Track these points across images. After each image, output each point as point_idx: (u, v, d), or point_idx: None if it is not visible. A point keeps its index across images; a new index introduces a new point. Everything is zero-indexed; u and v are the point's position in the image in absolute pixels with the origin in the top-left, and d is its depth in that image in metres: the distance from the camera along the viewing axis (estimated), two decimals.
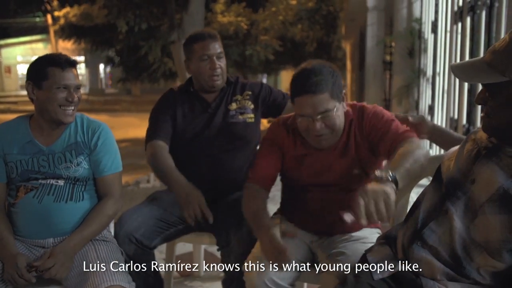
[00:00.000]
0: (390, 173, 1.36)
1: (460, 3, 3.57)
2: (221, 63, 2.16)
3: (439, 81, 4.51)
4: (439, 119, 4.47)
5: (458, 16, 3.64)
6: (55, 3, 8.27)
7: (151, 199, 2.20)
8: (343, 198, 1.69)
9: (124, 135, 9.68)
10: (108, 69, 28.32)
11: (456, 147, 1.42)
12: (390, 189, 1.29)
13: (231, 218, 1.97)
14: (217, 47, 2.14)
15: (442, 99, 4.35)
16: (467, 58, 3.45)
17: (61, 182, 1.78)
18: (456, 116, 3.68)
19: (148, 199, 2.20)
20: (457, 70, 1.26)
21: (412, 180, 1.68)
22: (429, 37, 5.01)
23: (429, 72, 4.98)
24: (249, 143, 2.21)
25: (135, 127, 11.64)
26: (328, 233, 1.83)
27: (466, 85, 3.43)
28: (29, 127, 1.82)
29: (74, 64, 1.77)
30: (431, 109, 4.85)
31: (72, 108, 1.76)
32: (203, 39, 2.14)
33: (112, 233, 1.95)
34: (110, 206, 1.82)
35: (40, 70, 1.73)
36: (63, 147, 1.81)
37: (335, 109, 1.64)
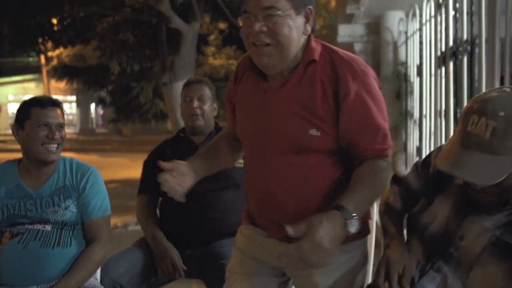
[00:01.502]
0: (352, 214, 1.20)
1: (443, 49, 3.70)
2: (203, 105, 2.25)
3: (426, 123, 4.59)
4: None
5: (441, 60, 3.77)
6: (49, 44, 8.40)
7: (138, 244, 2.18)
8: (303, 170, 1.35)
9: (113, 176, 9.60)
10: (100, 109, 28.45)
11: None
12: (342, 234, 1.18)
13: (219, 266, 1.95)
14: (200, 90, 2.23)
15: (429, 141, 4.42)
16: (452, 101, 3.55)
17: (48, 227, 1.76)
18: None
19: (135, 245, 2.19)
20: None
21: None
22: (415, 80, 5.16)
23: (416, 114, 5.08)
24: (237, 186, 2.22)
25: (125, 167, 11.56)
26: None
27: (452, 127, 3.51)
28: (18, 171, 1.81)
29: (57, 104, 1.80)
30: (419, 150, 4.92)
31: (55, 145, 1.75)
32: (190, 84, 2.29)
33: (99, 279, 1.91)
34: (97, 252, 1.79)
35: (24, 111, 1.77)
36: (51, 191, 1.79)
37: (285, 14, 1.26)
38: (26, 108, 1.77)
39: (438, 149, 1.37)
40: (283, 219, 1.35)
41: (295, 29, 1.29)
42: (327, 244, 1.14)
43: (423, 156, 4.65)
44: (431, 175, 1.35)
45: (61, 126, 1.78)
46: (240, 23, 1.33)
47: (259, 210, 1.50)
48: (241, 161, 2.23)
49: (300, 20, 1.30)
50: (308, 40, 1.36)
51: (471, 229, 1.18)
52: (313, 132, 1.30)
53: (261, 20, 1.26)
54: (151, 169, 2.22)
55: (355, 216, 1.21)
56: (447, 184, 1.29)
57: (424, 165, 1.41)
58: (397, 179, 1.52)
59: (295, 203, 1.38)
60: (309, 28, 1.34)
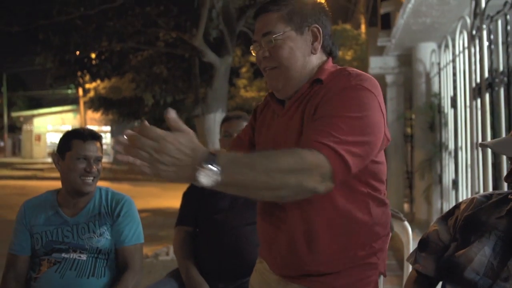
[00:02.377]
0: (215, 165, 0.92)
1: (478, 80, 3.64)
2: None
3: (461, 155, 4.47)
4: (464, 194, 4.38)
5: (476, 92, 3.70)
6: (87, 77, 8.77)
7: (172, 276, 2.17)
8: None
9: (145, 205, 9.72)
10: None
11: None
12: (185, 167, 0.91)
13: None
14: (240, 125, 2.25)
15: (466, 173, 4.29)
16: (489, 132, 3.45)
17: (83, 257, 1.79)
18: (481, 191, 3.60)
19: (169, 276, 2.18)
20: (499, 147, 1.19)
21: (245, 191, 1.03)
22: (449, 111, 5.06)
23: (451, 146, 4.96)
24: None
25: (157, 197, 11.69)
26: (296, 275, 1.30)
27: (490, 159, 3.40)
28: (56, 199, 1.88)
29: (97, 137, 1.86)
30: (455, 183, 4.78)
31: (91, 178, 1.81)
32: (229, 119, 2.33)
33: None
34: (130, 280, 1.80)
35: (66, 142, 1.84)
36: (87, 218, 1.84)
37: (284, 35, 1.24)
38: (68, 139, 1.84)
39: (470, 200, 1.33)
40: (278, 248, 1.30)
41: (298, 49, 1.26)
42: (166, 150, 0.90)
43: (460, 189, 4.51)
44: (463, 220, 1.29)
45: (98, 159, 1.85)
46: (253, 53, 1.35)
47: (261, 239, 1.43)
48: None
49: (303, 39, 1.27)
50: (326, 61, 1.30)
51: None
52: None
53: (264, 46, 1.27)
54: (190, 201, 2.25)
55: (216, 170, 0.92)
56: (484, 225, 1.24)
57: (450, 216, 1.36)
58: (422, 241, 1.39)
59: (291, 229, 1.26)
60: (318, 47, 1.29)
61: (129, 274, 1.81)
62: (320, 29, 1.28)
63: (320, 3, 1.34)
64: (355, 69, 1.26)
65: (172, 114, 0.95)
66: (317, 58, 1.30)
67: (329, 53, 1.34)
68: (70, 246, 1.80)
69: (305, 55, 1.27)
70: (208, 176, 0.92)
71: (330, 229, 1.24)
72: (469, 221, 1.27)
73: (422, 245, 1.37)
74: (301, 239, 1.25)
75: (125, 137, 0.92)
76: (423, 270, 1.34)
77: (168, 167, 0.91)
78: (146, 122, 0.94)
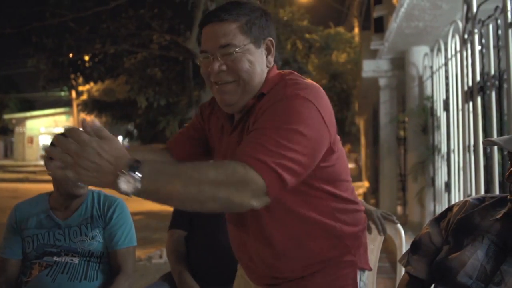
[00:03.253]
0: (137, 173, 0.89)
1: (470, 83, 3.67)
2: None
3: (454, 158, 4.50)
4: (456, 197, 4.41)
5: (468, 95, 3.73)
6: (81, 79, 8.73)
7: (165, 279, 2.17)
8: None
9: (138, 208, 9.67)
10: (126, 141, 29.04)
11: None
12: (105, 172, 0.88)
13: None
14: None
15: (458, 176, 4.32)
16: (480, 135, 3.48)
17: (75, 260, 1.78)
18: (473, 194, 3.63)
19: (161, 279, 2.18)
20: (509, 144, 1.16)
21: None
22: (442, 114, 5.10)
23: (444, 149, 5.00)
24: None
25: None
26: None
27: (482, 162, 3.43)
28: (48, 202, 1.87)
29: None
30: (447, 186, 4.81)
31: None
32: None
33: None
34: (122, 283, 1.80)
35: None
36: (79, 221, 1.83)
37: (244, 48, 1.18)
38: None
39: (463, 203, 1.33)
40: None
41: (257, 63, 1.20)
42: (86, 154, 0.87)
43: (452, 191, 4.54)
44: (455, 223, 1.29)
45: None
46: (199, 63, 1.25)
47: (241, 254, 1.38)
48: None
49: (260, 53, 1.22)
50: (269, 70, 1.26)
51: (511, 273, 1.13)
52: None
53: (220, 58, 1.18)
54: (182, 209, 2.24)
55: (137, 177, 0.89)
56: (476, 228, 1.24)
57: (443, 218, 1.35)
58: (414, 244, 1.39)
59: (269, 252, 1.25)
60: (271, 60, 1.25)
61: (122, 277, 1.81)
62: (273, 42, 1.25)
63: (265, 10, 1.27)
64: (294, 77, 1.20)
65: (94, 122, 0.92)
66: (266, 71, 1.25)
67: (274, 61, 1.28)
68: (62, 249, 1.79)
69: (261, 68, 1.22)
70: (128, 182, 0.89)
71: (292, 237, 1.23)
72: (462, 224, 1.27)
73: (414, 247, 1.37)
74: (265, 248, 1.24)
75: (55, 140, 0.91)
76: (414, 273, 1.34)
77: (88, 172, 0.88)
78: (83, 124, 0.91)
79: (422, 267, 1.33)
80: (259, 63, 1.21)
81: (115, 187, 0.89)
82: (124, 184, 0.89)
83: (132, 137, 13.18)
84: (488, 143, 1.24)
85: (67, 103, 28.19)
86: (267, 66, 1.24)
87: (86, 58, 8.30)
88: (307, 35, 11.94)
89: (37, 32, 7.09)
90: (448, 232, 1.29)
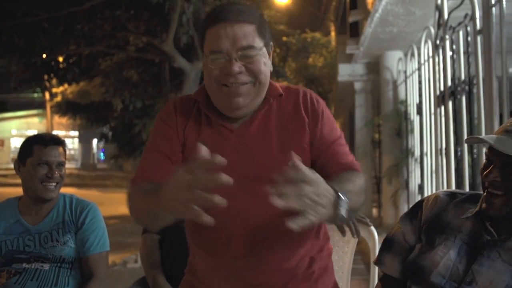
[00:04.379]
0: (344, 198, 1.02)
1: (442, 88, 3.76)
2: None
3: (427, 161, 4.60)
4: None
5: (440, 99, 3.82)
6: (54, 81, 8.54)
7: (138, 284, 2.14)
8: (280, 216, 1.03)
9: (113, 212, 9.52)
10: (101, 144, 28.57)
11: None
12: (329, 208, 0.97)
13: None
14: None
15: (431, 178, 4.41)
16: (452, 138, 3.57)
17: (46, 266, 1.73)
18: None
19: (135, 284, 2.15)
20: (499, 143, 1.14)
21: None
22: (415, 118, 5.21)
23: (417, 152, 5.10)
24: None
25: (125, 203, 11.48)
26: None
27: (453, 165, 3.51)
28: (18, 207, 1.81)
29: (59, 142, 1.80)
30: (420, 188, 4.91)
31: (53, 184, 1.75)
32: None
33: None
34: None
35: (27, 148, 1.78)
36: (50, 226, 1.78)
37: (261, 51, 1.19)
38: (29, 145, 1.79)
39: (433, 199, 1.33)
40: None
41: (268, 65, 1.23)
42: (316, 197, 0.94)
43: (425, 194, 4.64)
44: (427, 221, 1.30)
45: (61, 164, 1.79)
46: (209, 65, 1.20)
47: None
48: None
49: (267, 56, 1.24)
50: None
51: (484, 275, 1.14)
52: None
53: (238, 60, 1.16)
54: None
55: (346, 200, 1.02)
56: (448, 227, 1.25)
57: (414, 216, 1.35)
58: (386, 242, 1.37)
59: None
60: (270, 64, 1.26)
61: (94, 282, 1.77)
62: (272, 47, 1.27)
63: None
64: (291, 85, 1.38)
65: (296, 161, 0.92)
66: None
67: None
68: (32, 255, 1.74)
69: (269, 71, 1.24)
70: (344, 208, 1.02)
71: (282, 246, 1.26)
72: (434, 223, 1.28)
73: (387, 245, 1.37)
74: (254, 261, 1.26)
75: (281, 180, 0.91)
76: (388, 271, 1.34)
77: (325, 208, 0.95)
78: (297, 163, 0.91)
79: (395, 265, 1.32)
80: (269, 66, 1.24)
81: (336, 215, 1.01)
82: (343, 210, 1.02)
83: (107, 140, 12.97)
84: (474, 141, 1.23)
85: (40, 105, 27.52)
86: (270, 70, 1.26)
87: (60, 59, 8.13)
88: (284, 38, 12.00)
89: (8, 31, 6.90)
90: (420, 230, 1.30)
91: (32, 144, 1.78)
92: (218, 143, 1.25)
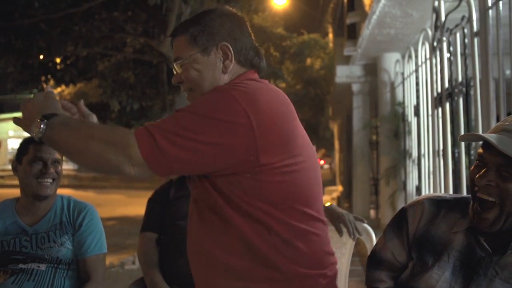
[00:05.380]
0: (45, 121, 1.10)
1: (439, 89, 3.77)
2: None
3: (424, 162, 4.61)
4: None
5: (438, 101, 3.83)
6: (52, 82, 8.53)
7: (136, 285, 2.14)
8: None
9: (111, 213, 9.50)
10: None
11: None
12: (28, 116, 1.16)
13: None
14: None
15: (429, 180, 4.42)
16: (449, 140, 3.58)
17: (42, 267, 1.73)
18: None
19: (133, 285, 2.15)
20: (502, 144, 1.04)
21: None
22: (412, 120, 5.21)
23: (415, 154, 5.11)
24: None
25: (123, 205, 11.47)
26: None
27: (450, 166, 3.52)
28: (15, 208, 1.81)
29: None
30: (418, 189, 4.91)
31: (49, 180, 1.75)
32: None
33: None
34: None
35: (23, 148, 1.80)
36: (47, 227, 1.78)
37: (190, 59, 1.22)
38: (26, 145, 1.81)
39: (419, 210, 1.22)
40: None
41: (206, 70, 1.22)
42: (24, 107, 1.17)
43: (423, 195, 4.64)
44: (416, 238, 1.20)
45: (57, 161, 1.79)
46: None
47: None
48: None
49: (211, 59, 1.22)
50: (240, 75, 1.24)
51: None
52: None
53: (177, 70, 1.26)
54: (154, 207, 2.22)
55: (44, 125, 1.09)
56: (439, 243, 1.16)
57: (400, 231, 1.25)
58: (374, 259, 1.29)
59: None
60: (230, 65, 1.23)
61: (91, 285, 1.77)
62: (229, 46, 1.22)
63: (233, 16, 1.27)
64: (248, 83, 1.18)
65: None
66: (230, 76, 1.24)
67: (252, 66, 1.27)
68: (28, 256, 1.73)
69: (215, 74, 1.22)
70: (36, 128, 1.09)
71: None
72: (423, 239, 1.20)
73: (374, 262, 1.29)
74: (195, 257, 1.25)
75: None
76: (381, 286, 1.26)
77: (24, 119, 1.15)
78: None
79: (388, 282, 1.25)
80: (209, 70, 1.22)
81: (28, 130, 1.12)
82: (34, 128, 1.10)
83: None
84: (471, 138, 1.17)
85: None
86: (223, 72, 1.23)
87: (58, 60, 8.12)
88: (282, 43, 12.02)
89: (5, 32, 6.89)
90: (410, 246, 1.22)
91: (28, 144, 1.80)
92: None
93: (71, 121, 1.14)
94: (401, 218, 1.26)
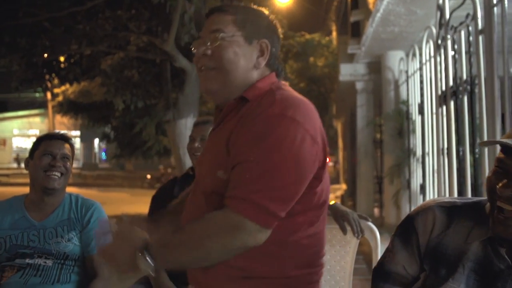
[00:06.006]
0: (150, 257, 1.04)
1: (444, 87, 3.76)
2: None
3: (428, 161, 4.60)
4: (431, 198, 4.50)
5: (442, 99, 3.81)
6: (56, 81, 8.54)
7: (140, 282, 2.15)
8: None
9: (115, 211, 9.52)
10: (103, 144, 28.61)
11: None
12: (128, 262, 1.06)
13: None
14: (203, 130, 2.25)
15: (433, 178, 4.41)
16: (453, 138, 3.56)
17: (49, 262, 1.75)
18: (447, 195, 3.71)
19: (137, 282, 2.15)
20: None
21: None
22: (417, 118, 5.20)
23: (419, 152, 5.09)
24: None
25: (127, 203, 11.51)
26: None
27: (455, 164, 3.51)
28: (24, 203, 1.85)
29: (65, 138, 1.88)
30: (422, 188, 4.90)
31: (56, 174, 1.79)
32: (196, 124, 2.33)
33: None
34: None
35: (36, 144, 1.86)
36: (55, 223, 1.81)
37: (232, 38, 1.19)
38: (38, 142, 1.87)
39: (430, 219, 1.16)
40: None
41: (243, 56, 1.20)
42: (107, 255, 1.11)
43: (427, 194, 4.63)
44: (428, 249, 1.14)
45: (66, 157, 1.83)
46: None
47: None
48: None
49: (250, 50, 1.21)
50: (263, 78, 1.23)
51: None
52: (220, 174, 1.14)
53: (208, 43, 1.20)
54: (158, 205, 2.24)
55: (148, 259, 1.05)
56: (452, 254, 1.11)
57: (407, 239, 1.18)
58: (381, 272, 1.22)
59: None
60: (262, 62, 1.23)
61: (99, 282, 1.78)
62: (268, 45, 1.23)
63: (274, 23, 1.29)
64: (285, 92, 1.18)
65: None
66: (259, 75, 1.23)
67: (274, 70, 1.28)
68: (35, 250, 1.75)
69: (248, 66, 1.21)
70: (144, 265, 1.04)
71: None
72: (436, 251, 1.14)
73: (382, 275, 1.22)
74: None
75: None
76: None
77: (119, 263, 1.09)
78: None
79: None
80: (245, 58, 1.20)
81: (133, 271, 1.08)
82: (141, 266, 1.05)
83: (109, 140, 12.99)
84: (491, 143, 1.14)
85: (42, 104, 27.55)
86: (255, 67, 1.22)
87: (62, 59, 8.13)
88: (286, 42, 12.01)
89: (10, 32, 6.91)
90: (421, 258, 1.16)
91: (41, 141, 1.86)
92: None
93: (166, 239, 1.09)
94: (408, 227, 1.19)
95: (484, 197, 1.13)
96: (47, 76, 8.10)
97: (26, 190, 1.89)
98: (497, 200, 1.02)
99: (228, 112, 1.22)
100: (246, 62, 1.21)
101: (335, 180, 15.83)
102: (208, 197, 1.17)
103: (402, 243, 1.19)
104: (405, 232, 1.20)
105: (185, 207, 1.29)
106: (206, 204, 1.18)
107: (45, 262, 1.75)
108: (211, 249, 1.05)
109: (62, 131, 1.96)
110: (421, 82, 4.83)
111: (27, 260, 1.74)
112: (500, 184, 1.01)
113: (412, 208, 5.26)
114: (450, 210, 1.15)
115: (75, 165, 27.02)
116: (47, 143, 1.83)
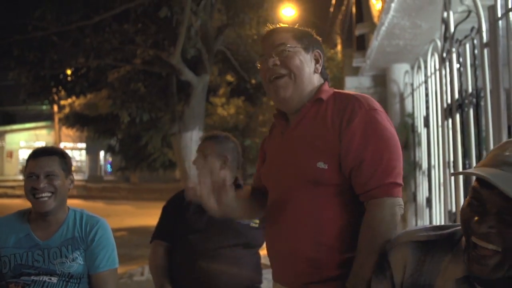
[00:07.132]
0: None
1: (449, 100, 3.75)
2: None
3: (434, 174, 4.57)
4: (437, 212, 4.46)
5: (448, 112, 3.80)
6: (63, 93, 8.62)
7: None
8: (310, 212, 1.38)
9: (119, 224, 9.51)
10: (109, 156, 28.68)
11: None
12: None
13: None
14: (210, 146, 2.23)
15: (439, 192, 4.38)
16: (460, 151, 3.55)
17: (54, 279, 1.73)
18: (454, 209, 3.68)
19: None
20: (498, 179, 0.88)
21: None
22: (422, 131, 5.18)
23: (425, 165, 5.07)
24: (247, 245, 2.18)
25: (132, 215, 11.49)
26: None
27: (461, 178, 3.48)
28: (28, 221, 1.81)
29: (52, 152, 1.77)
30: (428, 201, 4.86)
31: (44, 196, 1.71)
32: (202, 140, 2.32)
33: None
34: None
35: (26, 164, 1.79)
36: (60, 242, 1.78)
37: (295, 49, 1.44)
38: (27, 161, 1.79)
39: (401, 257, 1.14)
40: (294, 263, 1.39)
41: (306, 63, 1.46)
42: None
43: (433, 207, 4.59)
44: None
45: (51, 174, 1.72)
46: (259, 67, 1.50)
47: (274, 254, 1.48)
48: (257, 221, 2.20)
49: (309, 58, 1.48)
50: (324, 84, 1.50)
51: None
52: (321, 165, 1.35)
53: (275, 56, 1.43)
54: (168, 215, 2.22)
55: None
56: None
57: (382, 274, 1.17)
58: None
59: (306, 243, 1.37)
60: (319, 68, 1.50)
61: None
62: (321, 54, 1.51)
63: (319, 40, 1.56)
64: (352, 92, 1.44)
65: None
66: (317, 80, 1.49)
67: (325, 79, 1.53)
68: (40, 270, 1.73)
69: (310, 71, 1.47)
70: None
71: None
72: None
73: None
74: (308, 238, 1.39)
75: None
76: None
77: None
78: None
79: None
80: (308, 64, 1.47)
81: None
82: None
83: (114, 152, 13.03)
84: (469, 175, 1.04)
85: (48, 116, 27.75)
86: (315, 72, 1.49)
87: (69, 72, 8.22)
88: None
89: (19, 45, 7.01)
90: None
91: (28, 159, 1.78)
92: (274, 144, 1.56)
93: (359, 262, 1.29)
94: (382, 262, 1.19)
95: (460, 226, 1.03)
96: (54, 89, 8.18)
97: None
98: (471, 236, 0.94)
99: (306, 113, 1.44)
100: (309, 68, 1.47)
101: None
102: (308, 188, 1.37)
103: (377, 278, 1.19)
104: (380, 267, 1.19)
105: (274, 203, 1.47)
106: (306, 195, 1.37)
107: (50, 279, 1.73)
108: (392, 233, 1.28)
109: (66, 144, 1.91)
110: (427, 95, 4.82)
111: (32, 277, 1.72)
112: (475, 218, 0.92)
113: (419, 221, 5.23)
114: (424, 246, 1.11)
115: (80, 177, 27.09)
116: (31, 162, 1.74)
